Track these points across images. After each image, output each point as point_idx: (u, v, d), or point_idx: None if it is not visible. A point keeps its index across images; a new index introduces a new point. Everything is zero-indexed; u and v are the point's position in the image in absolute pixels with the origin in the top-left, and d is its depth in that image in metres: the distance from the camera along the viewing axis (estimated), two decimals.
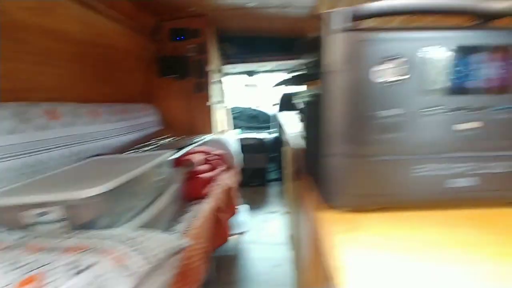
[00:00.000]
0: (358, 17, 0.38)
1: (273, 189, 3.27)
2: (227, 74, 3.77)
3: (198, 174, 1.69)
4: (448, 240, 0.29)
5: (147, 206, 1.14)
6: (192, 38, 2.70)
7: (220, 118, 3.19)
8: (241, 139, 3.20)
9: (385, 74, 0.33)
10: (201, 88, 2.79)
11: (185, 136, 2.24)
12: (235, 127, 4.16)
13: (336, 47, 0.33)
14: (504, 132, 0.33)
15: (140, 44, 2.34)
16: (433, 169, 0.35)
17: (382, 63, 0.33)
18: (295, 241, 0.37)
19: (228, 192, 1.88)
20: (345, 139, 0.34)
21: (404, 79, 0.33)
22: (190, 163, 1.68)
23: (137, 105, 2.27)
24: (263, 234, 2.22)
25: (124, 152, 1.70)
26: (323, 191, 0.37)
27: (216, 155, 1.97)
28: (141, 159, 1.22)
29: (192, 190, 1.65)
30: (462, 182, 0.35)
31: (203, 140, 2.28)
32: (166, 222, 1.32)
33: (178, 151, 1.67)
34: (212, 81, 2.94)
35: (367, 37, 0.32)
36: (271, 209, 2.67)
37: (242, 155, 2.51)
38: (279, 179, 3.51)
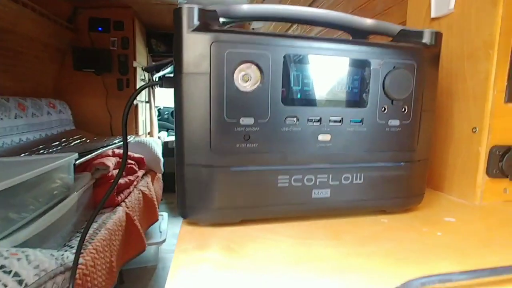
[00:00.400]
0: (226, 17, 0.36)
1: None
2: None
3: (110, 180, 1.54)
4: (297, 254, 0.28)
5: (37, 217, 0.98)
6: (115, 31, 2.49)
7: (146, 119, 3.00)
8: (169, 142, 3.06)
9: (242, 80, 0.31)
10: (126, 85, 2.58)
11: (100, 138, 2.03)
12: (165, 128, 3.97)
13: (187, 48, 0.30)
14: (352, 145, 0.34)
15: (50, 31, 2.06)
16: (298, 180, 0.34)
17: (238, 68, 0.31)
18: None
19: (146, 198, 1.75)
20: (201, 147, 0.31)
21: (261, 86, 0.31)
22: (102, 167, 1.52)
23: (41, 101, 1.99)
24: None
25: (20, 154, 1.45)
26: (178, 205, 0.33)
27: (134, 158, 1.82)
28: (33, 163, 1.05)
29: (103, 197, 1.50)
30: (323, 193, 0.35)
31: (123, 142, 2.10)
32: (65, 234, 1.16)
33: (87, 154, 1.49)
34: (140, 78, 2.75)
35: (219, 39, 0.30)
36: None
37: (166, 159, 2.38)
38: None
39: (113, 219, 1.33)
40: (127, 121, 0.42)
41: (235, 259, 0.27)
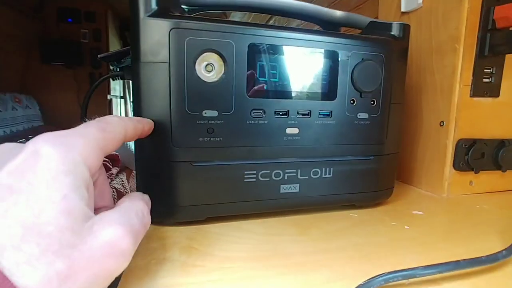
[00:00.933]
0: (189, 4, 0.34)
1: None
2: None
3: None
4: (262, 252, 0.27)
5: None
6: (86, 22, 2.37)
7: (121, 114, 2.90)
8: None
9: (205, 70, 0.29)
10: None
11: None
12: None
13: (146, 34, 0.28)
14: (321, 139, 0.33)
15: (14, 21, 1.93)
16: (266, 175, 0.33)
17: (200, 57, 0.29)
18: None
19: (120, 197, 1.69)
20: (161, 142, 0.29)
21: (224, 77, 0.29)
22: None
23: (5, 95, 1.87)
24: None
25: None
26: None
27: (107, 156, 1.75)
28: None
29: None
30: (291, 188, 0.34)
31: None
32: None
33: None
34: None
35: (179, 26, 0.28)
36: None
37: None
38: None
39: None
40: (85, 115, 0.39)
41: (197, 258, 0.26)
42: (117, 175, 1.92)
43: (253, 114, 0.31)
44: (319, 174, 0.35)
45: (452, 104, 0.42)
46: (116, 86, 2.71)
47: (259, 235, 0.31)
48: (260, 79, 0.31)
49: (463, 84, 0.42)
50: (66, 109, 2.38)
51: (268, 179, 0.33)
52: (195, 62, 0.29)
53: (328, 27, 0.43)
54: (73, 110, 2.40)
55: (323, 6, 0.41)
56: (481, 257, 0.23)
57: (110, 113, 2.53)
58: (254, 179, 0.33)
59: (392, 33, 0.37)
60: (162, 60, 0.28)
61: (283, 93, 0.32)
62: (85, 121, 0.39)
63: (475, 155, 0.43)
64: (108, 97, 2.52)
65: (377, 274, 0.21)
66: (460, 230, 0.33)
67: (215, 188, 0.32)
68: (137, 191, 0.32)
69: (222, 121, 0.30)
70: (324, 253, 0.27)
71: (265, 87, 0.31)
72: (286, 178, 0.34)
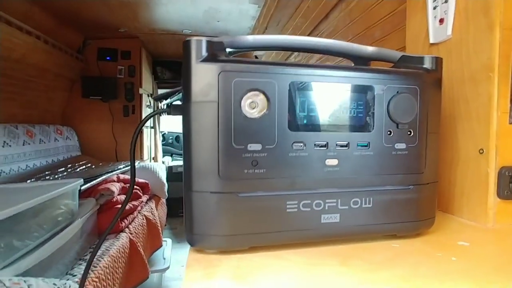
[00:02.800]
0: (232, 47, 0.38)
1: None
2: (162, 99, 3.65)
3: (115, 205, 1.54)
4: (307, 282, 0.27)
5: (40, 245, 0.97)
6: (122, 59, 2.57)
7: (151, 144, 3.03)
8: (173, 167, 3.06)
9: (249, 107, 0.32)
10: (131, 112, 2.63)
11: (105, 163, 2.05)
12: (170, 153, 3.99)
13: (196, 77, 0.31)
14: (360, 169, 0.34)
15: (61, 61, 2.14)
16: (307, 205, 0.34)
17: (245, 96, 0.32)
18: None
19: (150, 224, 1.73)
20: (209, 174, 0.31)
21: (267, 113, 0.32)
22: (107, 193, 1.52)
23: (48, 127, 2.03)
24: None
25: (27, 180, 1.46)
26: (186, 232, 0.33)
27: (139, 183, 1.82)
28: (38, 190, 1.05)
29: (108, 222, 1.48)
30: (332, 218, 0.34)
31: (128, 168, 2.11)
32: (68, 262, 1.14)
33: (92, 180, 1.50)
34: (146, 104, 2.81)
35: (227, 68, 0.31)
36: None
37: (170, 183, 2.38)
38: None
39: (117, 245, 1.31)
40: (135, 147, 0.42)
41: (244, 287, 0.27)
42: (146, 202, 1.97)
43: (294, 147, 0.33)
44: (359, 204, 0.35)
45: (491, 131, 0.42)
46: None
47: (301, 264, 0.31)
48: (300, 114, 0.33)
49: (501, 111, 0.42)
50: (101, 140, 2.53)
51: (309, 209, 0.34)
52: (240, 101, 0.32)
53: (359, 61, 0.45)
54: (108, 140, 2.55)
55: (347, 38, 0.43)
56: None
57: (142, 142, 2.65)
58: (296, 209, 0.34)
59: (425, 66, 0.38)
60: (211, 99, 0.31)
61: (322, 126, 0.34)
62: (133, 151, 0.42)
63: None
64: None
65: None
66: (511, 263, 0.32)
67: (259, 218, 0.33)
68: (184, 221, 0.34)
69: (265, 154, 0.32)
70: (369, 284, 0.27)
71: (304, 121, 0.33)
72: (326, 208, 0.34)
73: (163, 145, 3.71)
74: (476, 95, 0.44)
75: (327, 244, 0.36)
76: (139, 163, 2.27)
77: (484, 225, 0.43)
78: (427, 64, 0.38)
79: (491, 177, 0.42)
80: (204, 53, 0.32)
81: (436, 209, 0.49)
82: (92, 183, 1.47)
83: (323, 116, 0.34)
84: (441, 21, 0.49)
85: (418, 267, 0.31)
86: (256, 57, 2.20)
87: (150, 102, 2.91)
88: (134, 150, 0.43)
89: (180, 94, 0.45)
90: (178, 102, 0.43)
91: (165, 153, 3.75)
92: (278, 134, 0.33)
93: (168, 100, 0.46)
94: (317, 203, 0.34)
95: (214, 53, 0.33)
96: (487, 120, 0.43)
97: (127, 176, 1.83)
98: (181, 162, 3.43)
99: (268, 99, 0.32)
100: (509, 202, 0.43)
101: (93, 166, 1.85)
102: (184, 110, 0.33)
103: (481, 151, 0.43)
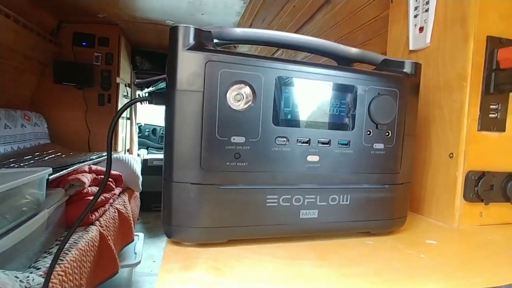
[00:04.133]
0: (219, 38, 0.37)
1: None
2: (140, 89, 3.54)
3: (85, 197, 1.48)
4: (285, 274, 0.28)
5: (2, 235, 0.92)
6: (100, 46, 2.47)
7: (126, 135, 2.94)
8: (148, 160, 2.98)
9: (235, 99, 0.31)
10: (107, 101, 2.53)
11: (76, 153, 1.96)
12: (146, 146, 3.89)
13: (182, 66, 0.30)
14: (339, 167, 0.35)
15: (32, 43, 2.01)
16: (286, 200, 0.34)
17: (231, 88, 0.31)
18: None
19: (122, 218, 1.68)
20: (190, 165, 0.31)
21: (253, 106, 0.32)
22: (77, 184, 1.46)
23: (15, 112, 1.91)
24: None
25: None
26: (164, 223, 0.32)
27: (112, 175, 1.76)
28: (1, 177, 0.99)
29: (77, 214, 1.42)
30: (310, 214, 0.35)
31: (101, 158, 2.03)
32: (32, 254, 1.08)
33: (62, 169, 1.43)
34: (123, 94, 2.71)
35: (214, 59, 0.31)
36: None
37: (146, 177, 2.32)
38: None
39: (86, 238, 1.26)
40: (112, 137, 0.41)
41: (221, 279, 0.27)
42: (119, 195, 1.91)
43: (277, 142, 0.33)
44: (336, 201, 0.36)
45: (461, 137, 0.44)
46: None
47: (279, 258, 0.32)
48: (285, 109, 0.33)
49: (470, 118, 0.44)
50: (73, 128, 2.42)
51: (288, 204, 0.34)
52: (226, 92, 0.31)
53: (342, 62, 0.46)
54: (80, 129, 2.44)
55: (331, 40, 0.44)
56: (501, 286, 0.24)
57: (116, 133, 2.56)
58: (276, 204, 0.34)
59: (405, 70, 0.40)
60: (197, 89, 0.31)
61: (305, 122, 0.34)
62: (110, 142, 0.41)
63: (484, 187, 0.45)
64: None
65: None
66: (475, 261, 0.34)
67: (238, 211, 0.33)
68: (163, 212, 0.33)
69: (248, 147, 0.32)
70: (345, 278, 0.28)
71: (289, 117, 0.34)
72: (305, 203, 0.35)
73: (139, 137, 3.60)
74: (449, 102, 0.47)
75: (305, 239, 0.36)
76: (113, 154, 2.19)
77: (451, 225, 0.45)
78: (407, 69, 0.40)
79: (459, 180, 0.45)
80: (192, 41, 0.31)
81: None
82: (61, 172, 1.41)
83: (307, 112, 0.34)
84: (421, 29, 0.52)
85: (391, 263, 0.32)
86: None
87: (127, 92, 2.82)
88: (112, 140, 0.41)
89: (163, 82, 0.44)
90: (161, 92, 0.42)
91: (140, 145, 3.64)
92: (262, 128, 0.33)
93: (151, 88, 0.44)
94: (297, 198, 0.35)
95: (202, 42, 0.32)
96: (458, 126, 0.45)
97: (100, 167, 1.76)
98: (157, 156, 3.34)
99: (254, 92, 0.32)
100: (474, 204, 0.45)
101: (63, 155, 1.76)
102: (167, 98, 0.32)
103: (451, 155, 0.46)
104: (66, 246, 1.16)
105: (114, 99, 2.53)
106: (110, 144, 0.42)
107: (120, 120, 2.69)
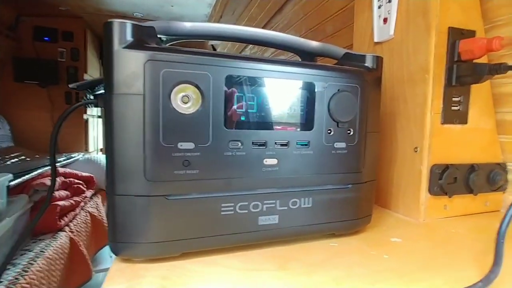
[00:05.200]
0: (166, 34, 0.34)
1: None
2: None
3: (53, 202, 1.40)
4: None
5: None
6: (64, 41, 2.33)
7: (98, 134, 2.82)
8: None
9: (181, 101, 0.29)
10: (75, 99, 2.41)
11: (42, 155, 1.85)
12: None
13: (119, 66, 0.27)
14: (299, 169, 0.33)
15: None
16: (243, 207, 0.32)
17: (176, 89, 0.28)
18: None
19: (95, 221, 1.61)
20: (134, 175, 0.28)
21: (201, 109, 0.29)
22: (42, 189, 1.38)
23: None
24: None
25: None
26: (109, 239, 0.29)
27: (82, 177, 1.68)
28: None
29: (44, 221, 1.35)
30: (270, 220, 0.33)
31: (70, 160, 1.94)
32: None
33: (25, 174, 1.34)
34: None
35: (154, 57, 0.28)
36: None
37: None
38: None
39: (54, 246, 1.20)
40: (55, 142, 0.37)
41: None
42: (91, 198, 1.84)
43: (230, 146, 0.31)
44: (298, 204, 0.34)
45: (425, 131, 0.44)
46: None
47: (237, 270, 0.30)
48: (238, 110, 0.31)
49: (434, 112, 0.44)
50: (39, 129, 2.28)
51: (246, 211, 0.32)
52: (170, 94, 0.29)
53: (305, 56, 0.44)
54: (46, 129, 2.31)
55: (301, 32, 0.42)
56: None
57: (87, 133, 2.45)
58: (232, 212, 0.32)
59: (366, 64, 0.38)
60: (136, 92, 0.28)
61: (261, 124, 0.32)
62: (54, 145, 0.37)
63: (448, 180, 0.45)
64: (85, 116, 2.45)
65: None
66: (438, 258, 0.33)
67: (191, 222, 0.30)
68: (108, 227, 0.30)
69: (198, 153, 0.30)
70: None
71: (242, 118, 0.31)
72: (264, 209, 0.33)
73: None
74: (413, 95, 0.46)
75: (265, 246, 0.34)
76: (83, 155, 2.10)
77: (417, 220, 0.45)
78: (368, 63, 0.38)
79: (423, 174, 0.44)
80: (129, 38, 0.28)
81: (375, 204, 0.50)
82: (24, 177, 1.32)
83: (262, 113, 0.32)
84: (385, 20, 0.50)
85: (353, 268, 0.30)
86: (213, 46, 2.13)
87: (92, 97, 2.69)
88: (55, 145, 0.38)
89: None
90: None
91: None
92: (213, 132, 0.30)
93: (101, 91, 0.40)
94: (255, 204, 0.32)
95: (142, 39, 0.29)
96: (422, 120, 0.44)
97: (70, 170, 1.68)
98: None
99: (201, 93, 0.29)
100: (438, 197, 0.45)
101: (28, 159, 1.66)
102: (105, 102, 0.29)
103: (416, 150, 0.45)
104: (31, 256, 1.09)
105: (82, 97, 2.40)
106: (54, 148, 0.38)
107: (91, 119, 2.57)
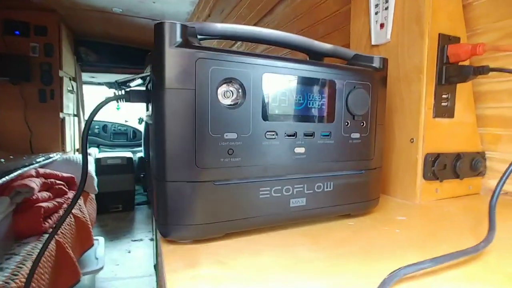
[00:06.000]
0: (201, 34, 0.37)
1: (141, 214, 2.97)
2: (86, 83, 3.29)
3: (36, 203, 1.35)
4: (285, 260, 0.29)
5: None
6: (37, 36, 2.22)
7: (75, 134, 2.71)
8: (101, 159, 2.80)
9: (224, 96, 0.32)
10: (50, 97, 2.30)
11: (17, 156, 1.77)
12: (96, 144, 3.64)
13: (171, 63, 0.30)
14: (323, 156, 0.38)
15: None
16: (278, 191, 0.36)
17: (221, 84, 0.32)
18: (159, 272, 0.32)
19: (79, 222, 1.57)
20: (185, 163, 0.31)
21: (243, 103, 0.32)
22: (24, 190, 1.32)
23: None
24: (125, 267, 1.95)
25: None
26: (158, 223, 0.32)
27: (63, 178, 1.63)
28: None
29: (27, 224, 1.30)
30: (299, 202, 0.37)
31: (49, 160, 1.86)
32: None
33: (4, 175, 1.28)
34: (67, 89, 2.48)
35: (204, 56, 0.31)
36: (136, 237, 2.40)
37: (100, 178, 2.18)
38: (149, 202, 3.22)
39: (41, 249, 1.16)
40: (86, 141, 0.39)
41: (229, 272, 0.28)
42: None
43: (267, 136, 0.34)
44: (322, 188, 0.39)
45: (420, 124, 0.50)
46: (69, 104, 2.54)
47: (276, 246, 0.33)
48: (273, 104, 0.35)
49: (427, 107, 0.50)
50: (11, 128, 2.16)
51: (280, 194, 0.36)
52: (217, 89, 0.32)
53: (314, 56, 0.48)
54: (19, 128, 2.20)
55: (293, 32, 0.45)
56: (467, 249, 0.29)
57: (63, 132, 2.35)
58: (268, 195, 0.35)
59: (374, 65, 0.43)
60: (188, 87, 0.31)
61: (292, 116, 0.36)
62: (85, 145, 0.39)
63: (439, 167, 0.51)
64: (61, 115, 2.35)
65: (395, 269, 0.25)
66: (439, 231, 0.39)
67: (234, 205, 0.34)
68: (157, 212, 0.33)
69: (240, 143, 0.33)
70: (339, 257, 0.31)
71: (277, 112, 0.35)
72: (295, 192, 0.37)
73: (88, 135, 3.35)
74: (409, 92, 0.52)
75: (295, 226, 0.38)
76: (61, 155, 2.02)
77: (413, 202, 0.51)
78: (376, 64, 0.43)
79: (419, 162, 0.50)
80: (179, 38, 0.31)
81: None
82: (3, 179, 1.26)
83: (293, 107, 0.36)
84: (382, 26, 0.56)
85: (374, 240, 0.35)
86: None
87: (72, 86, 2.59)
88: (86, 144, 0.39)
89: (139, 80, 0.42)
90: (139, 88, 0.41)
91: (90, 144, 3.40)
92: (252, 124, 0.34)
93: (137, 82, 0.41)
94: (287, 188, 0.36)
95: (188, 39, 0.32)
96: (417, 114, 0.50)
97: (49, 170, 1.62)
98: (110, 154, 3.13)
99: (244, 89, 0.33)
100: (431, 182, 0.52)
101: (2, 160, 1.58)
102: (155, 97, 0.31)
103: (412, 140, 0.51)
104: (19, 259, 1.06)
105: (58, 95, 2.31)
106: (86, 148, 0.40)
107: (67, 118, 2.47)
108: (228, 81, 0.32)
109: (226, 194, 0.33)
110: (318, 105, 0.38)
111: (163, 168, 0.31)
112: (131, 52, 3.01)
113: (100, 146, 3.61)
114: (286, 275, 0.27)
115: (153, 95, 0.32)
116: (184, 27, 0.31)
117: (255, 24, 1.29)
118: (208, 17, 1.73)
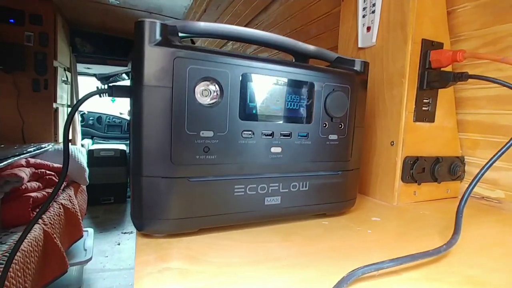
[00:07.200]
0: (183, 32, 0.37)
1: None
2: (82, 74, 3.27)
3: (25, 193, 1.35)
4: (255, 256, 0.30)
5: None
6: (32, 25, 2.20)
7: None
8: (94, 151, 2.79)
9: (202, 95, 0.33)
10: (43, 87, 2.28)
11: (8, 145, 1.76)
12: (90, 136, 3.62)
13: (149, 61, 0.30)
14: (299, 156, 0.39)
15: None
16: (253, 189, 0.36)
17: (199, 83, 0.32)
18: None
19: (68, 213, 1.57)
20: (160, 159, 0.32)
21: (220, 102, 0.33)
22: (14, 179, 1.32)
23: None
24: (114, 259, 1.96)
25: None
26: (134, 216, 0.33)
27: (54, 169, 1.62)
28: None
29: (16, 213, 1.30)
30: (274, 200, 0.38)
31: (40, 151, 1.85)
32: None
33: None
34: (62, 79, 2.46)
35: (182, 55, 0.31)
36: (127, 229, 2.40)
37: (93, 169, 2.18)
38: None
39: (28, 238, 1.16)
40: (68, 133, 0.39)
41: (197, 266, 0.28)
42: (64, 190, 1.79)
43: (243, 135, 0.35)
44: (297, 188, 0.40)
45: (400, 127, 0.51)
46: (63, 94, 2.53)
47: (248, 243, 0.34)
48: (250, 104, 0.35)
49: (408, 111, 0.51)
50: (3, 117, 2.15)
51: (254, 192, 0.37)
52: (195, 88, 0.32)
53: (300, 58, 0.49)
54: (11, 117, 2.18)
55: (285, 32, 0.46)
56: (429, 250, 0.30)
57: (56, 122, 2.34)
58: (243, 193, 0.36)
59: (355, 68, 0.44)
60: (165, 85, 0.31)
61: (269, 116, 0.37)
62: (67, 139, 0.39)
63: (418, 170, 0.52)
64: (54, 105, 2.34)
65: (354, 269, 0.26)
66: (410, 232, 0.40)
67: (208, 201, 0.35)
68: (132, 205, 0.33)
69: (217, 141, 0.34)
70: (308, 255, 0.32)
71: (254, 112, 0.36)
72: (270, 191, 0.38)
73: (82, 126, 3.34)
74: (391, 96, 0.53)
75: (269, 224, 0.39)
76: (53, 146, 2.01)
77: (391, 204, 0.52)
78: (357, 67, 0.44)
79: (398, 165, 0.52)
80: (158, 36, 0.31)
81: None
82: None
83: (270, 107, 0.37)
84: (368, 29, 0.57)
85: (344, 239, 0.36)
86: (192, 41, 2.13)
87: (67, 77, 2.57)
88: (67, 136, 0.39)
89: (123, 75, 0.43)
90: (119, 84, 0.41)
91: (84, 135, 3.39)
92: (229, 122, 0.34)
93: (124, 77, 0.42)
94: (262, 186, 0.37)
95: (168, 37, 0.32)
96: (398, 118, 0.51)
97: (40, 160, 1.61)
98: (104, 146, 3.13)
99: (221, 88, 0.34)
100: (409, 185, 0.53)
101: None
102: (134, 93, 0.32)
103: (392, 143, 0.52)
104: (5, 249, 1.06)
105: (51, 85, 2.29)
106: (67, 140, 0.40)
107: (61, 108, 2.46)
108: (206, 80, 0.33)
109: (201, 190, 0.34)
110: (296, 106, 0.38)
111: (139, 163, 0.32)
112: (127, 44, 2.99)
113: (94, 137, 3.59)
114: (254, 271, 0.28)
115: (132, 91, 0.33)
116: (164, 26, 0.32)
117: (249, 22, 1.29)
118: (204, 12, 1.73)
